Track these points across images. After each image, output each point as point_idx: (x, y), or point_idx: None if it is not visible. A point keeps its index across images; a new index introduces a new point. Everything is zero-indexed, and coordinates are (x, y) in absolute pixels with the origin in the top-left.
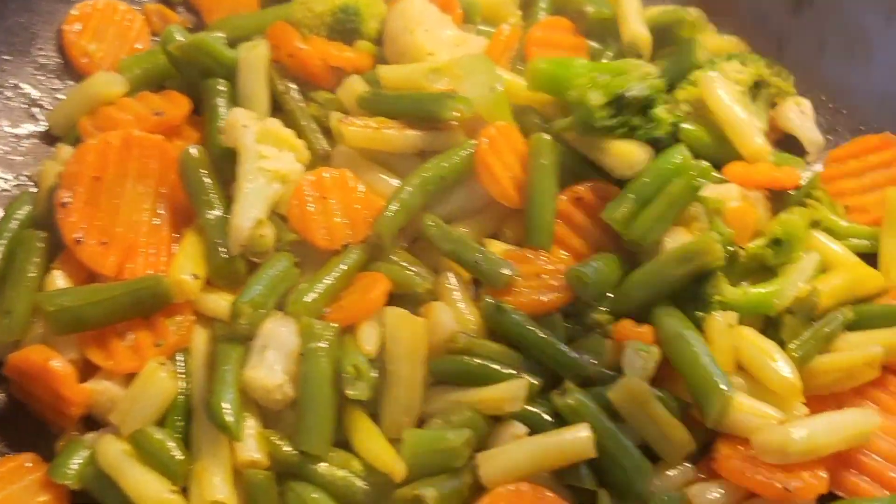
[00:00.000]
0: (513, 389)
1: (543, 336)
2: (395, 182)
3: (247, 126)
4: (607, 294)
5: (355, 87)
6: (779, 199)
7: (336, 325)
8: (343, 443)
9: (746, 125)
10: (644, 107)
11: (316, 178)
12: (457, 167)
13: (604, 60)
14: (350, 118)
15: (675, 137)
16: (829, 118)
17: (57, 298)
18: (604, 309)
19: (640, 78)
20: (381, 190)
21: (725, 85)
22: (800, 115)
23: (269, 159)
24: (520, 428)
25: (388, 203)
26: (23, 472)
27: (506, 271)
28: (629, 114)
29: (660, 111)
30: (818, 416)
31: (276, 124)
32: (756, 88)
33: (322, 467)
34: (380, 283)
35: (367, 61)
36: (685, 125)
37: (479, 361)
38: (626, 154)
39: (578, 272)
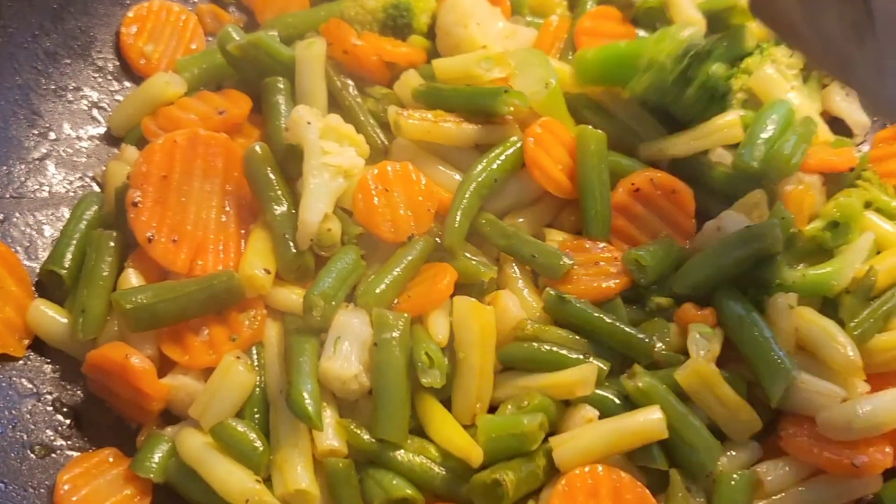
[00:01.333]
0: (583, 373)
1: (610, 321)
2: (453, 175)
3: (311, 123)
4: (667, 279)
5: (411, 81)
6: (832, 180)
7: (407, 315)
8: (416, 430)
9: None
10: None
11: (380, 171)
12: (507, 167)
13: None
14: (408, 111)
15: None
16: None
17: (133, 296)
18: (660, 293)
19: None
20: (442, 182)
21: (779, 80)
22: (845, 98)
23: (332, 154)
24: (591, 411)
25: (450, 214)
26: (106, 467)
27: (563, 261)
28: (698, 64)
29: (717, 67)
30: (881, 392)
31: (337, 120)
32: (807, 70)
33: (400, 454)
34: (447, 273)
35: (421, 56)
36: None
37: (547, 347)
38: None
39: (635, 255)
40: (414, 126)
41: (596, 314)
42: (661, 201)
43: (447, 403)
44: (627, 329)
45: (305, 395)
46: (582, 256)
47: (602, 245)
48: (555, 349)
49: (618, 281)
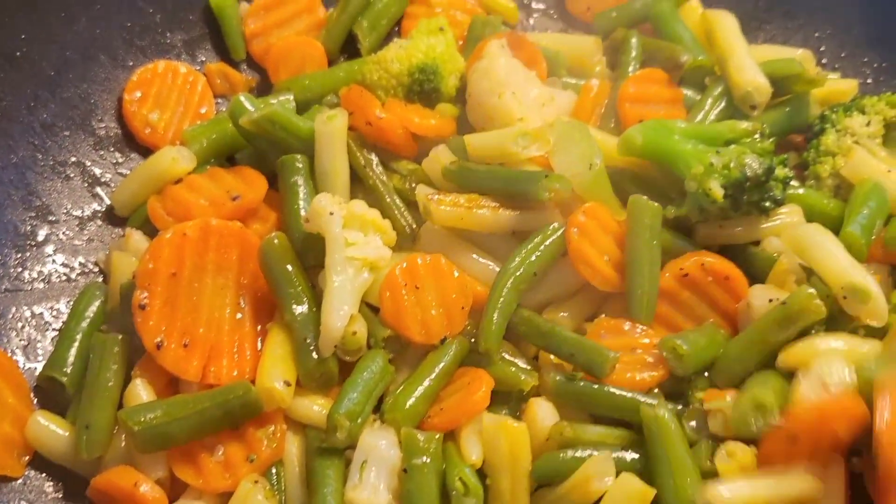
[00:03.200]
0: (598, 464)
1: None
2: (488, 264)
3: (333, 213)
4: (707, 367)
5: (441, 158)
6: None
7: (439, 435)
8: None
9: None
10: (763, 180)
11: (409, 265)
12: (547, 258)
13: (699, 115)
14: (439, 196)
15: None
16: None
17: (141, 415)
18: (702, 386)
19: (758, 150)
20: (475, 272)
21: (874, 162)
22: None
23: (357, 246)
24: None
25: (486, 316)
26: None
27: (608, 357)
28: (750, 192)
29: (778, 171)
30: None
31: (361, 207)
32: (886, 131)
33: None
34: (482, 382)
35: (450, 126)
36: (801, 190)
37: (580, 455)
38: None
39: (673, 343)
40: (446, 213)
41: None
42: (710, 288)
43: None
44: None
45: None
46: (619, 340)
47: (641, 329)
48: (590, 452)
49: (654, 374)
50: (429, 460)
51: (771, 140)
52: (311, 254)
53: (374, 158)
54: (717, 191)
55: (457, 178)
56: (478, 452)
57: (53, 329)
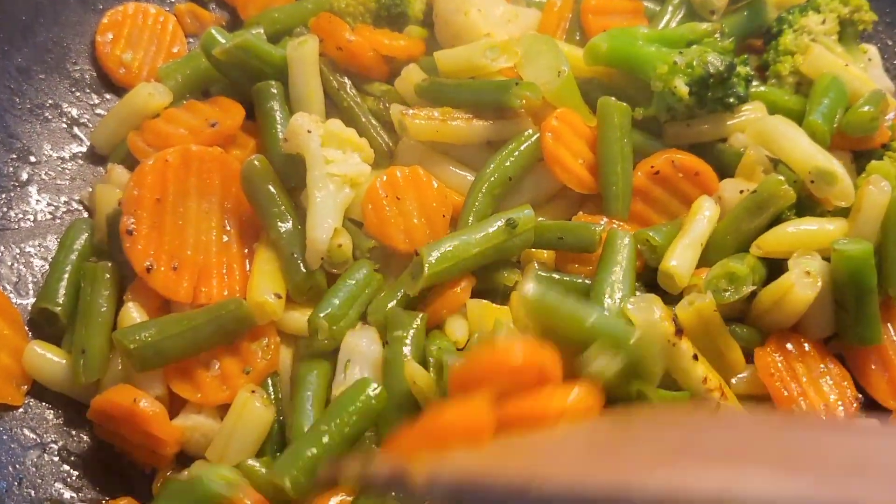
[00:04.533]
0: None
1: None
2: (466, 175)
3: (311, 131)
4: None
5: (413, 76)
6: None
7: (422, 314)
8: None
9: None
10: (726, 76)
11: (388, 177)
12: (521, 163)
13: (661, 24)
14: (413, 111)
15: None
16: None
17: (136, 334)
18: None
19: (719, 49)
20: (454, 183)
21: (831, 58)
22: (868, 63)
23: (336, 163)
24: None
25: (461, 219)
26: None
27: (595, 230)
28: (714, 88)
29: (740, 69)
30: None
31: (338, 125)
32: (841, 28)
33: None
34: (464, 278)
35: (420, 47)
36: (763, 88)
37: None
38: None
39: (646, 235)
40: (421, 126)
41: None
42: (682, 184)
43: None
44: None
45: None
46: None
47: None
48: None
49: None
50: (410, 332)
51: (731, 39)
52: (291, 176)
53: (347, 82)
54: (682, 88)
55: (429, 93)
56: (463, 331)
57: (42, 265)
